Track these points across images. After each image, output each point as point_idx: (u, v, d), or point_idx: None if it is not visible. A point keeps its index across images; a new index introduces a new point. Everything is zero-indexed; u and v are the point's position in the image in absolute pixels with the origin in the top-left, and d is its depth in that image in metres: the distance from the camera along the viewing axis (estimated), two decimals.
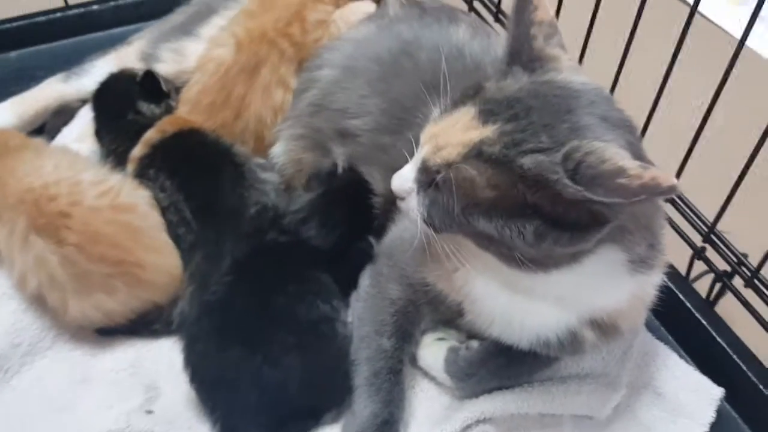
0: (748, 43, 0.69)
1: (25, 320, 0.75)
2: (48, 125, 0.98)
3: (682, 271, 0.85)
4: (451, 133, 0.56)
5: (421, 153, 0.58)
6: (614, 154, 0.50)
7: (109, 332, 0.76)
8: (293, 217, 0.78)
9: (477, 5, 1.14)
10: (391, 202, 0.76)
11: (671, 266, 0.81)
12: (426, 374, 0.74)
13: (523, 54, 0.59)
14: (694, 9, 0.74)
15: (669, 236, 0.80)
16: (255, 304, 0.69)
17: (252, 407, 0.64)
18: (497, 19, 1.10)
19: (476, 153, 0.54)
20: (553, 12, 0.61)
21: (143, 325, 0.76)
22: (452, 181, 0.55)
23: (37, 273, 0.72)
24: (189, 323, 0.71)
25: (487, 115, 0.56)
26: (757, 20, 0.68)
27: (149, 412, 0.69)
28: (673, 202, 0.85)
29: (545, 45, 0.59)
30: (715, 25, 1.29)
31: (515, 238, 0.54)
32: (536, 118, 0.54)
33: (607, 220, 0.53)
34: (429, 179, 0.57)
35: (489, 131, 0.55)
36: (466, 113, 0.57)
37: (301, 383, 0.66)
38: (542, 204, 0.52)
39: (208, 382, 0.67)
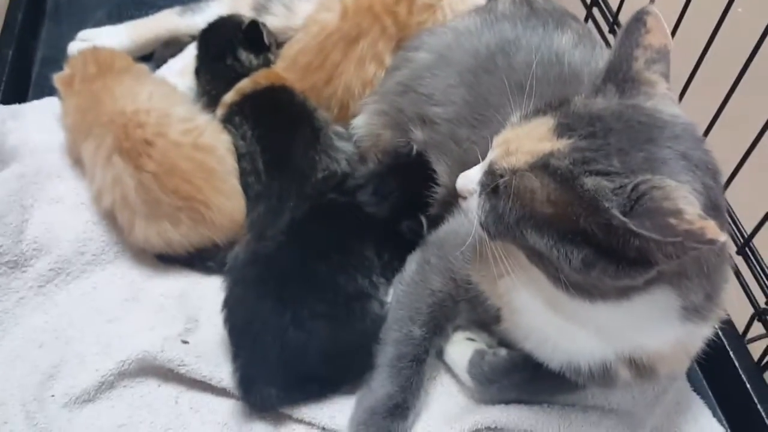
0: None
1: (94, 232, 0.78)
2: (156, 54, 1.01)
3: (740, 327, 0.80)
4: (524, 140, 0.54)
5: (491, 156, 0.57)
6: (681, 195, 0.46)
7: (167, 260, 0.79)
8: (353, 181, 0.78)
9: (596, 11, 1.10)
10: (453, 194, 0.75)
11: (728, 322, 0.77)
12: (449, 370, 0.73)
13: (620, 73, 0.56)
14: None
15: (734, 290, 0.76)
16: (298, 266, 0.70)
17: (272, 362, 0.65)
18: (612, 30, 1.06)
19: (543, 164, 0.52)
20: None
21: (199, 260, 0.78)
22: (513, 188, 0.53)
23: (112, 191, 0.75)
24: (236, 268, 0.73)
25: (564, 129, 0.53)
26: None
27: (184, 342, 0.71)
28: (745, 257, 0.80)
29: (645, 68, 0.56)
30: None
31: (563, 261, 0.52)
32: (613, 141, 0.51)
33: (651, 262, 0.49)
34: (492, 183, 0.55)
35: (561, 145, 0.52)
36: (544, 123, 0.55)
37: (322, 351, 0.66)
38: (593, 230, 0.50)
39: (239, 327, 0.68)
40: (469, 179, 0.58)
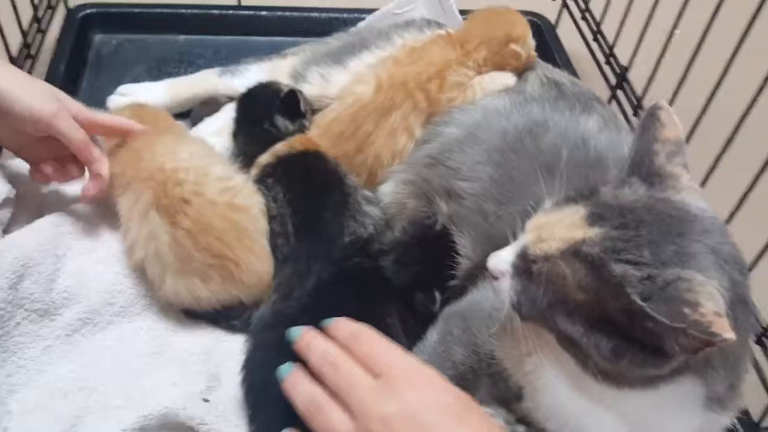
0: None
1: (124, 284, 0.78)
2: (194, 112, 1.04)
3: (755, 415, 0.78)
4: (557, 227, 0.55)
5: (523, 240, 0.57)
6: (705, 291, 0.47)
7: (193, 315, 0.78)
8: (379, 246, 0.79)
9: (620, 94, 1.12)
10: (477, 267, 0.75)
11: (745, 411, 0.76)
12: None
13: (644, 168, 0.57)
14: None
15: (749, 377, 0.75)
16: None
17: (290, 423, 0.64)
18: (635, 113, 1.07)
19: (575, 251, 0.53)
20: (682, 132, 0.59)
21: (225, 318, 0.78)
22: (546, 274, 0.54)
23: (146, 245, 0.76)
24: (259, 328, 0.73)
25: (596, 218, 0.54)
26: None
27: (206, 400, 0.70)
28: (761, 343, 0.80)
29: (667, 162, 0.57)
30: None
31: (593, 349, 0.53)
32: (645, 233, 0.52)
33: (668, 352, 0.49)
34: (525, 267, 0.56)
35: (593, 233, 0.53)
36: (576, 212, 0.55)
37: None
38: (620, 317, 0.50)
39: (256, 388, 0.68)
40: (502, 260, 0.58)
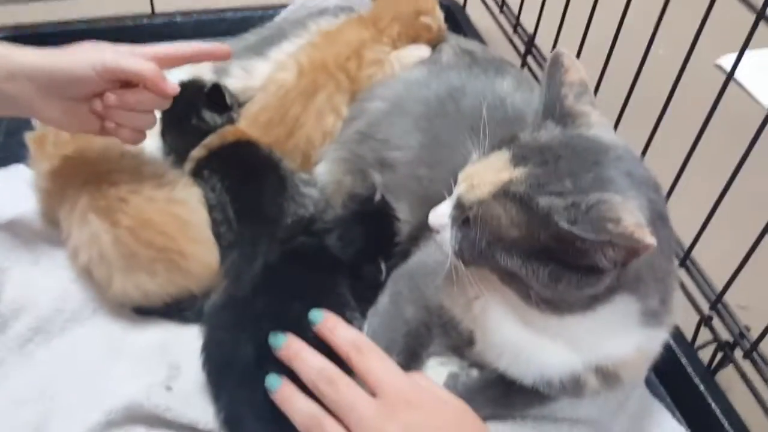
0: None
1: (72, 290, 0.77)
2: None
3: (689, 335, 0.83)
4: (485, 173, 0.58)
5: (458, 191, 0.60)
6: (624, 207, 0.50)
7: (144, 312, 0.78)
8: (322, 224, 0.80)
9: (530, 60, 1.17)
10: (418, 229, 0.78)
11: (678, 329, 0.80)
12: None
13: (555, 110, 0.61)
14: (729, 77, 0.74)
15: (680, 300, 0.80)
16: (273, 307, 0.70)
17: (257, 400, 0.64)
18: None
19: (504, 192, 0.56)
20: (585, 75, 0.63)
21: (176, 310, 0.78)
22: (481, 217, 0.57)
23: (89, 248, 0.75)
24: (212, 313, 0.73)
25: (519, 159, 0.57)
26: None
27: (169, 388, 0.70)
28: (687, 268, 0.85)
29: (575, 102, 0.61)
30: (747, 91, 1.28)
31: (532, 278, 0.56)
32: (564, 166, 0.55)
33: (600, 267, 0.53)
34: (462, 215, 0.59)
35: (518, 173, 0.56)
36: (501, 157, 0.58)
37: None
38: (552, 245, 0.53)
39: (217, 369, 0.68)
40: (440, 214, 0.61)
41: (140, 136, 0.76)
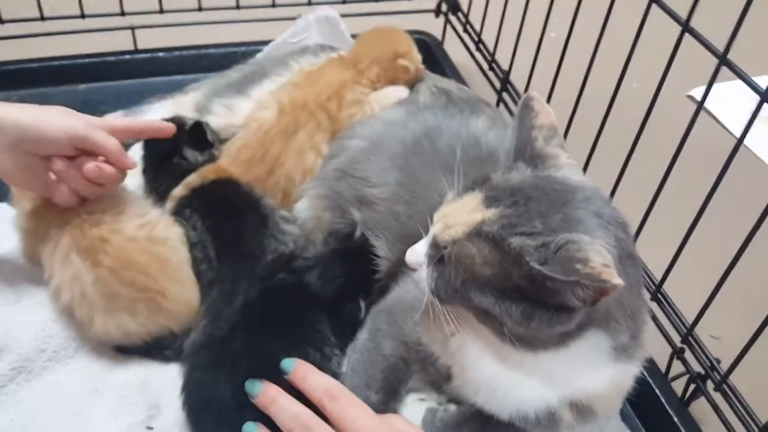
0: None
1: (54, 329, 0.77)
2: None
3: (663, 367, 0.85)
4: (460, 214, 0.60)
5: (433, 230, 0.61)
6: (593, 248, 0.52)
7: (125, 351, 0.78)
8: (303, 262, 0.81)
9: (505, 96, 1.19)
10: (396, 265, 0.79)
11: (652, 361, 0.82)
12: None
13: (526, 153, 0.63)
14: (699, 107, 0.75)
15: (653, 333, 0.82)
16: (252, 345, 0.71)
17: None
18: None
19: (477, 232, 0.57)
20: (556, 119, 0.65)
21: (157, 349, 0.78)
22: (455, 256, 0.58)
23: (71, 288, 0.75)
24: (192, 353, 0.73)
25: (491, 201, 0.59)
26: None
27: (149, 428, 0.70)
28: (658, 301, 0.87)
29: (545, 145, 0.63)
30: (719, 122, 1.31)
31: (505, 316, 0.57)
32: (534, 207, 0.57)
33: (570, 306, 0.54)
34: (437, 254, 0.60)
35: (491, 214, 0.58)
36: (474, 198, 0.60)
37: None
38: (524, 284, 0.55)
39: (197, 410, 0.69)
40: (417, 253, 0.63)
41: (77, 200, 0.79)
